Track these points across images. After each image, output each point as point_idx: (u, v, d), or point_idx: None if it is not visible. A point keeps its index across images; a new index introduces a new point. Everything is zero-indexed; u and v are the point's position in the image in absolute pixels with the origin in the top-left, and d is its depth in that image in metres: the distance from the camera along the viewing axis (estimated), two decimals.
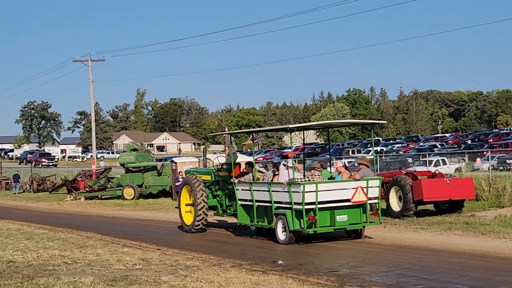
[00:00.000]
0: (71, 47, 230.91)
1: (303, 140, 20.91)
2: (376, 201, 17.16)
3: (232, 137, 20.36)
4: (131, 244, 17.64)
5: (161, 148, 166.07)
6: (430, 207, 22.49)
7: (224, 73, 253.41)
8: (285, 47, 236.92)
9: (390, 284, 11.31)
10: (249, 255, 15.18)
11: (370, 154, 62.45)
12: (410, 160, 43.14)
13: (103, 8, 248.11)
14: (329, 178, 17.86)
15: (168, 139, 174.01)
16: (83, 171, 47.38)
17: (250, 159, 19.09)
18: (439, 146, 66.23)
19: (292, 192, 16.27)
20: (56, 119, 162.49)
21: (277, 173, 17.99)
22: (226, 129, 22.39)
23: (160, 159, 57.22)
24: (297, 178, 16.65)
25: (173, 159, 39.76)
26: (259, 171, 18.99)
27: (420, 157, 43.58)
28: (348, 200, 16.48)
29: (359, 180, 16.80)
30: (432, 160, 41.52)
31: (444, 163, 41.88)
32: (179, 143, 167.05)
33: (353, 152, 71.84)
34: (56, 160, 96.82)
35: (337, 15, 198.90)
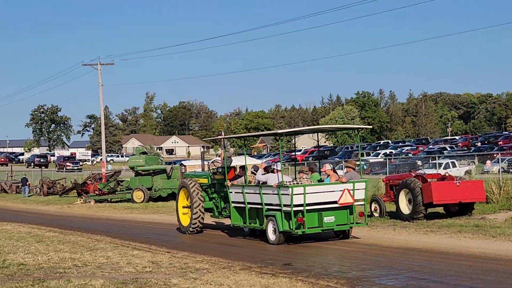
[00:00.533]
0: (81, 51, 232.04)
1: (294, 144, 21.41)
2: (362, 203, 17.80)
3: (227, 141, 20.82)
4: (141, 247, 17.69)
5: (170, 151, 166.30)
6: (440, 209, 22.42)
7: (233, 76, 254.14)
8: (293, 50, 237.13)
9: (400, 287, 11.29)
10: (259, 258, 15.18)
11: (378, 157, 62.33)
12: (419, 162, 43.02)
13: (112, 12, 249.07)
14: (318, 181, 18.29)
15: (177, 142, 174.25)
16: (92, 174, 47.51)
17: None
18: (448, 149, 65.98)
19: (281, 194, 16.86)
20: (66, 122, 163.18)
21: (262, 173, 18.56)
22: (223, 134, 23.02)
23: (169, 162, 57.31)
24: (286, 181, 17.23)
25: (182, 162, 39.83)
26: (252, 173, 19.46)
27: (430, 160, 43.47)
28: (335, 202, 17.08)
29: (345, 182, 17.37)
30: (442, 163, 41.42)
31: (454, 165, 41.76)
32: (188, 146, 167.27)
33: (362, 154, 71.70)
34: (81, 164, 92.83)
35: (346, 17, 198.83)
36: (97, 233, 22.15)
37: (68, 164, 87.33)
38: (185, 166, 36.15)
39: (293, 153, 31.37)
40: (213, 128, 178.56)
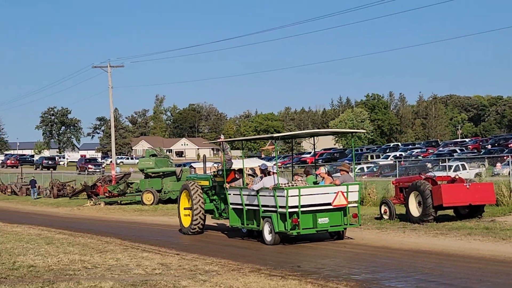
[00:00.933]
0: (91, 53, 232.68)
1: (291, 147, 24.75)
2: (356, 205, 18.29)
3: (227, 144, 21.99)
4: (150, 249, 17.73)
5: (180, 154, 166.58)
6: (450, 212, 22.35)
7: (243, 78, 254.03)
8: (303, 52, 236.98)
9: None
10: (268, 260, 15.19)
11: (388, 159, 62.19)
12: (429, 165, 42.90)
13: (122, 14, 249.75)
14: (313, 183, 18.78)
15: (187, 144, 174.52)
16: (102, 176, 47.62)
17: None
18: (458, 151, 65.75)
19: (277, 196, 17.43)
20: (76, 125, 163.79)
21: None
22: (223, 137, 23.63)
23: (179, 165, 57.39)
24: (281, 183, 17.64)
25: (192, 164, 39.87)
26: (249, 175, 19.98)
27: (440, 162, 43.31)
28: (329, 204, 17.65)
29: (339, 185, 17.89)
30: (452, 165, 41.28)
31: (464, 168, 41.60)
32: (198, 149, 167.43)
33: (371, 157, 71.53)
34: (103, 166, 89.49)
35: (356, 20, 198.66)
36: (107, 235, 22.21)
37: (90, 166, 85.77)
38: (194, 168, 36.19)
39: (292, 156, 32.38)
40: (223, 131, 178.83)
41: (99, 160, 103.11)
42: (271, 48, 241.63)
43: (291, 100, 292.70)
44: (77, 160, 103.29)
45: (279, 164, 43.44)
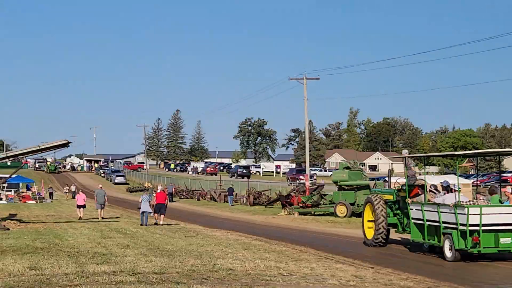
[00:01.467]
0: (287, 65, 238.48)
1: (476, 166, 20.99)
2: None
3: (412, 160, 22.62)
4: (344, 261, 17.66)
5: (373, 168, 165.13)
6: None
7: (440, 92, 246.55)
8: (505, 66, 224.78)
9: None
10: (468, 280, 14.49)
11: None
12: None
13: (319, 29, 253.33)
14: (499, 202, 18.34)
15: (380, 158, 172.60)
16: (297, 187, 48.47)
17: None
18: None
19: (458, 213, 17.44)
20: (271, 136, 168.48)
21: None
22: (405, 152, 23.60)
23: (372, 179, 56.89)
24: (463, 201, 17.69)
25: (386, 179, 39.26)
26: (431, 191, 20.01)
27: None
28: None
29: None
30: None
31: None
32: (392, 163, 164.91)
33: None
34: (315, 178, 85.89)
35: None
36: (301, 244, 22.46)
37: (301, 177, 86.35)
38: (388, 182, 35.63)
39: (477, 174, 31.58)
40: (417, 146, 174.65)
41: (283, 170, 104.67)
42: (472, 61, 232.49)
43: (491, 116, 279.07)
44: (287, 170, 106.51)
45: (477, 182, 41.68)
